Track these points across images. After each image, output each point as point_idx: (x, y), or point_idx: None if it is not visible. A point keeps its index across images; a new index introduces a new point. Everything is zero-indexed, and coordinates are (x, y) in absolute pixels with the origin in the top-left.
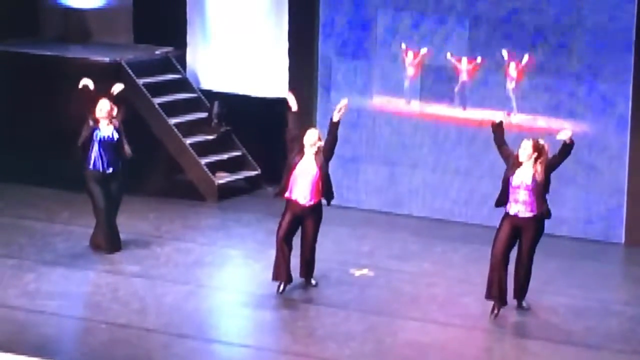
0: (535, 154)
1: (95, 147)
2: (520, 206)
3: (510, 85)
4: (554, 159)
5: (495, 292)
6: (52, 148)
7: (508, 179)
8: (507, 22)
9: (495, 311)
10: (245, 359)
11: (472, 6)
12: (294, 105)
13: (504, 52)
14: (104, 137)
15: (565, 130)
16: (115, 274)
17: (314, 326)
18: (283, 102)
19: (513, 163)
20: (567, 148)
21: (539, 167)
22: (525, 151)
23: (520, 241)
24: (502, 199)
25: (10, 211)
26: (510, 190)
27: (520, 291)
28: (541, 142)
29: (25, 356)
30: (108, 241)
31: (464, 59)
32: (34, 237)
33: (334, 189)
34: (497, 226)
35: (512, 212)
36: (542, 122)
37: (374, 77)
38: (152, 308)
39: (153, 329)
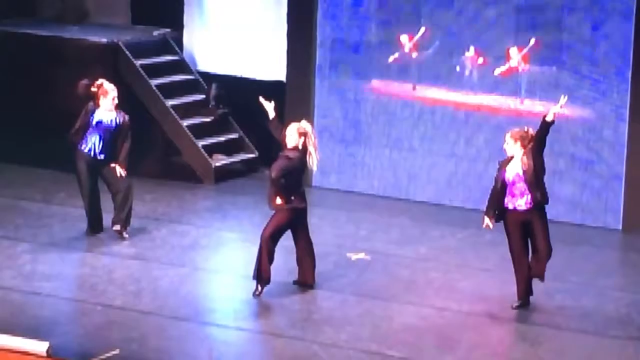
0: (518, 142)
1: (92, 131)
2: (519, 200)
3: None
4: (535, 139)
5: (528, 291)
6: (48, 129)
7: (502, 180)
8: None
9: (519, 303)
10: (241, 342)
11: None
12: (271, 112)
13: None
14: (101, 122)
15: (554, 107)
16: (111, 256)
17: (310, 310)
18: (281, 85)
19: (503, 163)
20: (545, 125)
21: (524, 156)
22: (508, 145)
23: (533, 234)
24: (492, 206)
25: (6, 192)
26: (507, 187)
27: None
28: (523, 129)
29: (21, 337)
30: (89, 223)
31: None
32: (30, 218)
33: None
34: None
35: (511, 207)
36: (540, 107)
37: (373, 60)
38: (147, 290)
39: (148, 311)
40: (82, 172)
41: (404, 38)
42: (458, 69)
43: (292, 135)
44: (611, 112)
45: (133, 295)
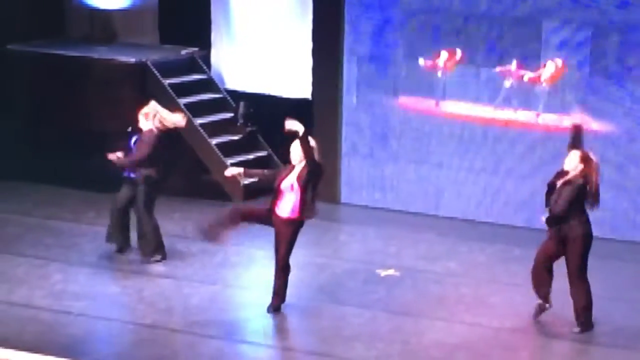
0: (582, 165)
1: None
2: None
3: (541, 84)
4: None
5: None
6: (78, 148)
7: (554, 184)
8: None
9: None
10: (271, 359)
11: (496, 4)
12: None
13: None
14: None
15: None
16: (141, 275)
17: (340, 326)
18: (310, 102)
19: (560, 171)
20: (575, 132)
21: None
22: (571, 161)
23: (567, 252)
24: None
25: (36, 212)
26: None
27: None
28: (590, 155)
29: (52, 356)
30: (118, 241)
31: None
32: (61, 238)
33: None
34: (521, 226)
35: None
36: (568, 121)
37: (400, 76)
38: (178, 308)
39: (179, 329)
40: (121, 192)
41: (443, 54)
42: (487, 84)
43: (295, 152)
44: (638, 127)
45: (164, 314)
